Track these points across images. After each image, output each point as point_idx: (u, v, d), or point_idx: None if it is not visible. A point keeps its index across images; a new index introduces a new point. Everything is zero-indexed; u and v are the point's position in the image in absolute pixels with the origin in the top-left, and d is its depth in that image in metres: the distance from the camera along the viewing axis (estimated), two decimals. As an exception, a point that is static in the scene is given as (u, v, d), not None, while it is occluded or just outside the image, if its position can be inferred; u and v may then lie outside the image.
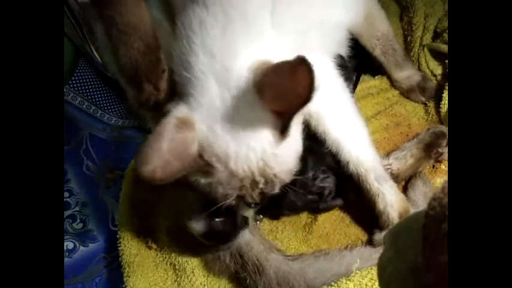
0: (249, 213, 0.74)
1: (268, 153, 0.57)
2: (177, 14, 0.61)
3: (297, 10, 0.66)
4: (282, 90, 0.52)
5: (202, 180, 0.60)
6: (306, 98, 0.49)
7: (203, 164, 0.57)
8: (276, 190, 0.61)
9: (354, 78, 0.96)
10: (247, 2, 0.57)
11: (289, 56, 0.55)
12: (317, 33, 0.72)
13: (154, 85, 0.59)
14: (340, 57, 0.85)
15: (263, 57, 0.56)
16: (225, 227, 0.72)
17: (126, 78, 0.60)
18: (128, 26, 0.56)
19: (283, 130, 0.56)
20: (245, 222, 0.74)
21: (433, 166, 0.85)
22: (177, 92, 0.61)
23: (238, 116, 0.55)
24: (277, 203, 0.77)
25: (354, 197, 0.80)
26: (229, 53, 0.56)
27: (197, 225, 0.72)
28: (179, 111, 0.57)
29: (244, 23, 0.57)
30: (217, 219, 0.71)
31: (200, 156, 0.56)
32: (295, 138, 0.60)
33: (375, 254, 0.73)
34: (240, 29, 0.57)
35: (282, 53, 0.59)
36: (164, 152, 0.53)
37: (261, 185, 0.59)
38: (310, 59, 0.62)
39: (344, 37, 0.79)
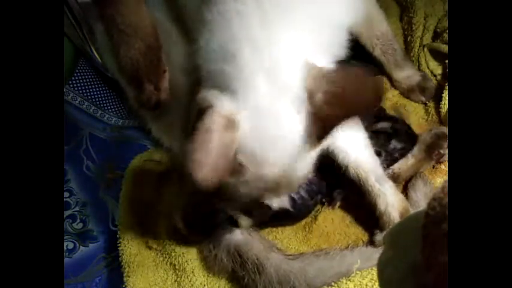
0: (246, 222, 0.74)
1: (299, 157, 0.55)
2: (206, 3, 0.58)
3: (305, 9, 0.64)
4: (343, 96, 0.50)
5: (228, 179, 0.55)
6: (375, 105, 0.50)
7: (236, 164, 0.53)
8: (294, 190, 0.60)
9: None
10: None
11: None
12: (318, 35, 0.72)
13: (155, 85, 0.60)
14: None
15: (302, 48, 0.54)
16: (204, 221, 0.72)
17: (127, 78, 0.60)
18: (129, 26, 0.56)
19: (321, 137, 0.54)
20: (234, 223, 0.74)
21: (433, 166, 0.85)
22: (208, 85, 0.57)
23: (282, 117, 0.53)
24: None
25: (354, 197, 0.80)
26: (274, 43, 0.53)
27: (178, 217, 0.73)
28: (224, 107, 0.52)
29: (276, 10, 0.54)
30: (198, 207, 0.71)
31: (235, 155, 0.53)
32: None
33: (375, 254, 0.73)
34: (275, 17, 0.54)
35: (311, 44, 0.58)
36: (214, 153, 0.48)
37: (282, 189, 0.58)
38: (311, 61, 0.62)
39: (344, 38, 0.79)
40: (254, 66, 0.53)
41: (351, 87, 0.50)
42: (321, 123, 0.52)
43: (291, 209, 0.76)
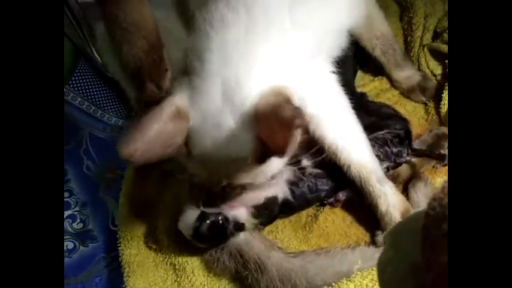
0: (250, 221, 0.74)
1: (242, 170, 0.60)
2: (196, 6, 0.60)
3: (308, 10, 0.65)
4: (272, 132, 0.52)
5: (186, 161, 0.61)
6: (283, 153, 0.52)
7: (186, 152, 0.59)
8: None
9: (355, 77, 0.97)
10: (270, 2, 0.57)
11: (308, 56, 0.59)
12: (319, 37, 0.72)
13: (157, 84, 0.59)
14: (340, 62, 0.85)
15: (281, 70, 0.57)
16: (213, 231, 0.72)
17: (128, 76, 0.60)
18: (132, 24, 0.56)
19: (261, 160, 0.58)
20: (239, 228, 0.74)
21: (433, 166, 0.85)
22: (183, 73, 0.61)
23: (229, 130, 0.56)
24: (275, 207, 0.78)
25: (354, 198, 0.79)
26: (247, 64, 0.56)
27: (186, 227, 0.73)
28: (180, 99, 0.57)
29: (267, 24, 0.56)
30: (205, 222, 0.72)
31: (186, 144, 0.58)
32: (275, 162, 0.62)
33: (376, 254, 0.73)
34: (262, 38, 0.56)
35: (301, 53, 0.61)
36: (151, 137, 0.52)
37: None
38: (310, 65, 0.64)
39: (344, 39, 0.79)
40: (217, 74, 0.56)
41: (274, 126, 0.52)
42: (265, 148, 0.55)
43: (292, 200, 0.77)
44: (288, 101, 0.53)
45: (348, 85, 0.80)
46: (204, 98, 0.57)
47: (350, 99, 0.77)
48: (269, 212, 0.76)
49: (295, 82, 0.61)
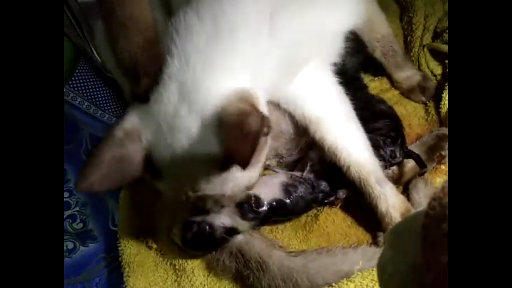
0: (242, 224, 0.74)
1: (206, 178, 0.58)
2: (172, 12, 0.61)
3: (295, 20, 0.65)
4: (236, 141, 0.51)
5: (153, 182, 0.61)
6: (245, 165, 0.50)
7: (146, 173, 0.58)
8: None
9: (357, 77, 0.96)
10: (239, 14, 0.57)
11: (283, 69, 0.59)
12: (315, 42, 0.72)
13: (152, 80, 0.59)
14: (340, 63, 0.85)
15: (247, 80, 0.57)
16: (199, 239, 0.73)
17: (123, 71, 0.59)
18: (129, 19, 0.55)
19: (223, 167, 0.57)
20: (232, 232, 0.74)
21: (433, 166, 0.85)
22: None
23: (188, 130, 0.55)
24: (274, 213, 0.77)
25: (355, 199, 0.79)
26: (206, 68, 0.55)
27: (176, 236, 0.75)
28: (129, 121, 0.57)
29: (231, 40, 0.56)
30: (189, 232, 0.72)
31: (148, 161, 0.57)
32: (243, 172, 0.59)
33: (378, 254, 0.73)
34: (225, 45, 0.56)
35: (273, 66, 0.61)
36: (104, 167, 0.53)
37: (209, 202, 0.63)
38: (307, 68, 0.63)
39: (343, 42, 0.79)
40: (174, 77, 0.55)
41: (235, 135, 0.50)
42: (228, 154, 0.54)
43: (287, 201, 0.77)
44: (254, 108, 0.52)
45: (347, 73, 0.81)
46: (159, 103, 0.56)
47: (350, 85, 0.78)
48: (256, 213, 0.74)
49: (264, 88, 0.61)
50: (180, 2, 0.59)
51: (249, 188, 0.66)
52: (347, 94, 0.78)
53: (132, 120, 0.57)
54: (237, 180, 0.61)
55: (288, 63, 0.68)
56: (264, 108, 0.58)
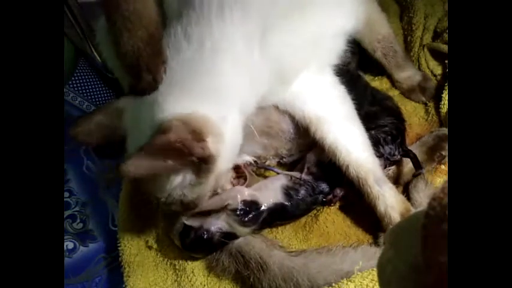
0: (240, 230, 0.74)
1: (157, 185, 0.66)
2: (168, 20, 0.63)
3: (287, 34, 0.66)
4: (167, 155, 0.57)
5: None
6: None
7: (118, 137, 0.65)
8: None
9: (357, 76, 0.96)
10: (226, 37, 0.59)
11: (279, 78, 0.66)
12: (312, 49, 0.72)
13: (154, 75, 0.59)
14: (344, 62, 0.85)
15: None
16: (198, 244, 0.73)
17: (126, 66, 0.60)
18: (133, 13, 0.55)
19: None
20: (231, 237, 0.74)
21: (433, 166, 0.85)
22: None
23: (141, 133, 0.60)
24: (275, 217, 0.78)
25: (355, 199, 0.79)
26: (175, 88, 0.59)
27: (176, 239, 0.75)
28: (123, 101, 0.65)
29: (212, 62, 0.59)
30: (188, 238, 0.73)
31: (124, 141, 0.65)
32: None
33: (378, 254, 0.73)
34: (202, 67, 0.59)
35: (266, 78, 0.65)
36: (92, 125, 0.65)
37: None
38: (307, 71, 0.63)
39: (343, 44, 0.79)
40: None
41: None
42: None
43: (287, 204, 0.77)
44: (193, 134, 0.56)
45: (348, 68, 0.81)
46: (139, 103, 0.62)
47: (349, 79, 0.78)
48: (254, 217, 0.74)
49: (249, 106, 0.65)
50: (172, 13, 0.62)
51: (215, 190, 0.71)
52: (353, 91, 0.79)
53: (124, 102, 0.65)
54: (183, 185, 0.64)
55: (283, 72, 0.70)
56: (220, 134, 0.60)
